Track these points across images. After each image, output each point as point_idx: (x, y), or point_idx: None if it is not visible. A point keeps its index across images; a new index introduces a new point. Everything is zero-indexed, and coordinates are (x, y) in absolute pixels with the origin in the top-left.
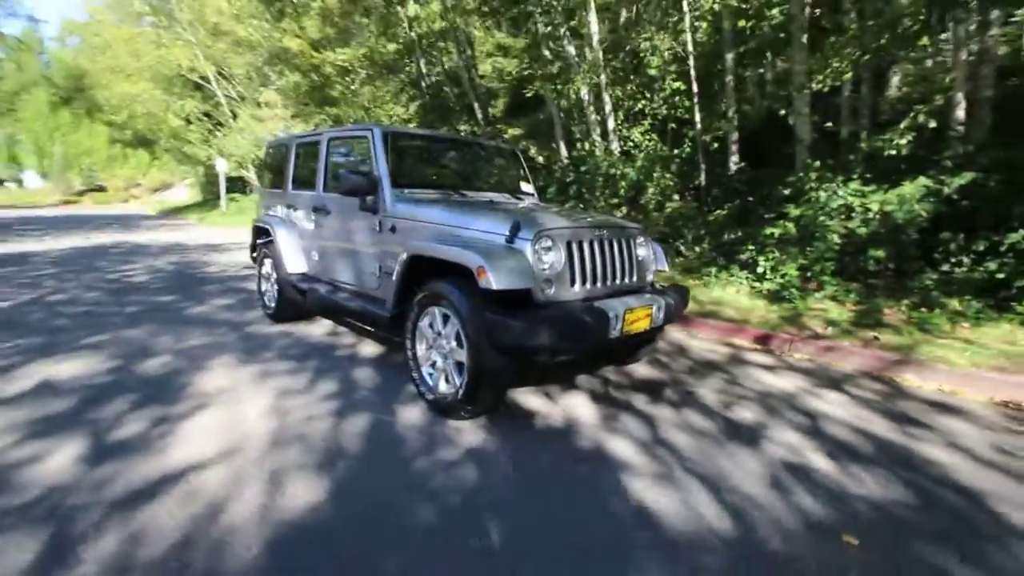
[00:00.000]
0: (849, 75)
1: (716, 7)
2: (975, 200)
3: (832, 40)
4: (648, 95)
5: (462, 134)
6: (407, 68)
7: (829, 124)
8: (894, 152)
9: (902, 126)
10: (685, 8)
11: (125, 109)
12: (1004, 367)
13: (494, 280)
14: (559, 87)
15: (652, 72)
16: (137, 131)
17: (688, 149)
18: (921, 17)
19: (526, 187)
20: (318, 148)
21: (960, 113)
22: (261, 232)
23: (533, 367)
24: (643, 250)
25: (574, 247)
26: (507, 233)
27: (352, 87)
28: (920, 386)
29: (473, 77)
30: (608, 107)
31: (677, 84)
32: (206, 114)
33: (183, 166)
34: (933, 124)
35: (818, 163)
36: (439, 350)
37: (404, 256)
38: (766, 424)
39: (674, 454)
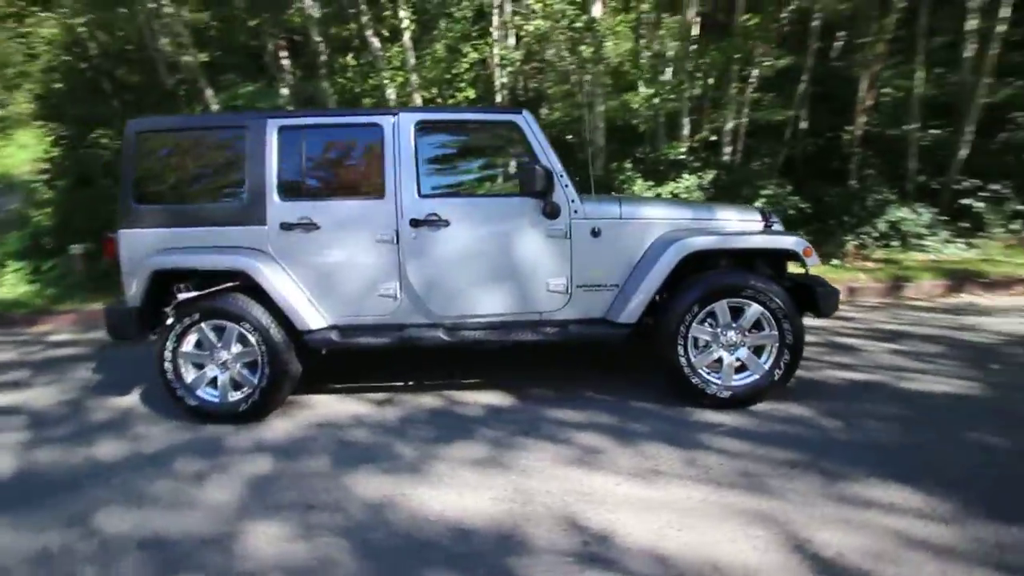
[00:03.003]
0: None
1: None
2: (716, 188)
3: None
4: (443, 99)
5: None
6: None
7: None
8: (680, 157)
9: (697, 138)
10: (494, 22)
11: None
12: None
13: (818, 258)
14: (355, 83)
15: (462, 69)
16: None
17: None
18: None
19: None
20: (379, 137)
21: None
22: (176, 278)
23: None
24: None
25: None
26: (759, 219)
27: None
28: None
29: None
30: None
31: (471, 90)
32: None
33: None
34: (714, 138)
35: (628, 163)
36: (720, 344)
37: (678, 255)
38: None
39: None
